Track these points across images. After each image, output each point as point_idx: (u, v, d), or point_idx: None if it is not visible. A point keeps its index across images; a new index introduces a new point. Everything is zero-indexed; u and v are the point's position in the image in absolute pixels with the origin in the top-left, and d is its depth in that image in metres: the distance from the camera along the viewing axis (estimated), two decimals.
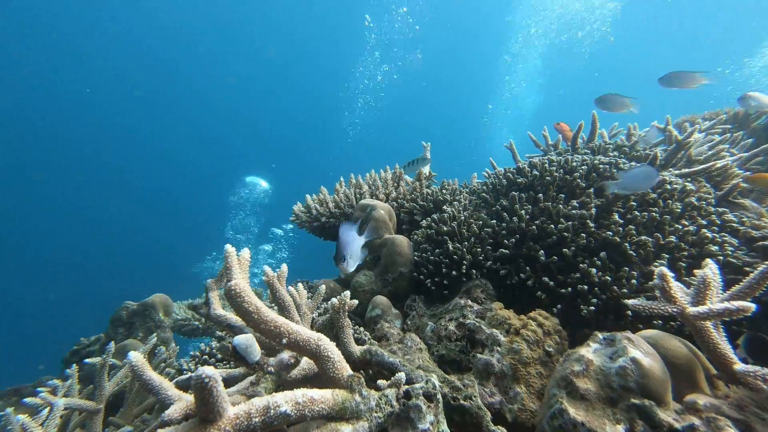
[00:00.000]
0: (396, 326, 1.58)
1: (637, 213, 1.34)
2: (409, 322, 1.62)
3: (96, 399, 1.45)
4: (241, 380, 1.20)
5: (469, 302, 1.47)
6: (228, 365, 1.41)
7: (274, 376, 0.78)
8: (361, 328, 1.48)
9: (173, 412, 0.78)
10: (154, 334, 2.66)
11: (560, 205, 1.50)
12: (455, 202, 1.92)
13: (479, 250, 1.60)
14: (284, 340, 0.69)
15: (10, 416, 1.38)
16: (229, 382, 1.19)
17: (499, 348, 1.22)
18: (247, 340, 0.73)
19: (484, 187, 1.92)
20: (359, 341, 1.36)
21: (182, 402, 0.80)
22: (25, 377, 2.75)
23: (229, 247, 0.74)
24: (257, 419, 0.59)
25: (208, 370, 0.51)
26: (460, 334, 1.38)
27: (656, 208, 1.35)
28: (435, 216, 1.83)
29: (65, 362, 2.71)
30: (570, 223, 1.43)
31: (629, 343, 0.61)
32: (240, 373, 1.19)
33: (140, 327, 2.71)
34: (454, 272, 1.60)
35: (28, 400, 1.36)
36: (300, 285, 1.43)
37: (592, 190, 1.50)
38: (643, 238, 1.25)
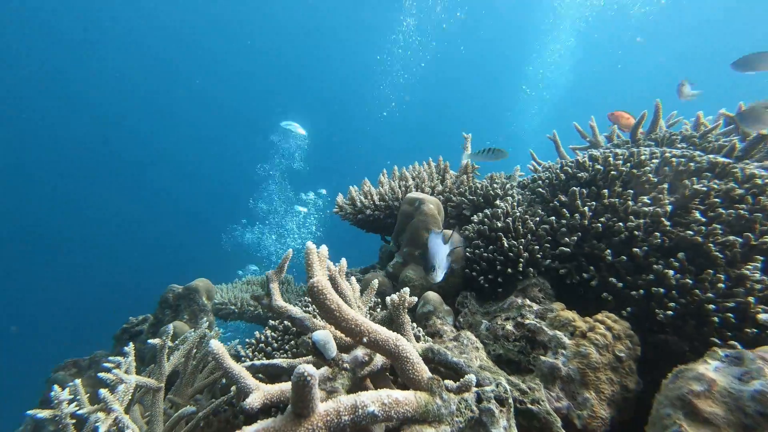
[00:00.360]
0: (448, 323, 1.56)
1: (722, 210, 1.23)
2: (461, 320, 1.60)
3: (157, 378, 1.52)
4: None
5: (527, 302, 1.42)
6: (286, 354, 1.45)
7: (349, 372, 0.78)
8: (413, 324, 1.47)
9: (253, 401, 0.80)
10: (205, 319, 2.79)
11: (629, 202, 1.40)
12: (508, 197, 1.86)
13: (536, 247, 1.54)
14: (365, 339, 0.69)
15: (78, 387, 1.47)
16: (291, 371, 1.22)
17: (564, 351, 1.17)
18: (325, 336, 0.73)
19: (540, 182, 1.83)
20: (415, 338, 1.35)
21: (260, 391, 0.83)
22: (81, 351, 2.94)
23: (310, 244, 0.74)
24: (346, 417, 0.58)
25: (309, 369, 0.51)
26: (519, 335, 1.33)
27: (744, 205, 1.23)
28: (487, 211, 1.78)
29: (116, 339, 2.88)
30: (641, 220, 1.34)
31: (765, 364, 0.55)
32: (301, 363, 1.21)
33: (185, 310, 2.83)
34: (509, 270, 1.55)
35: (103, 375, 1.44)
36: (353, 279, 1.44)
37: (666, 186, 1.40)
38: (730, 238, 1.15)
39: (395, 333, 0.72)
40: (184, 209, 28.42)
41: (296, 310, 1.27)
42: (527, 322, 1.32)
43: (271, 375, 1.35)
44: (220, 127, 27.34)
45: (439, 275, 1.12)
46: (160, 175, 27.53)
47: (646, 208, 1.36)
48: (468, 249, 1.72)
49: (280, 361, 1.23)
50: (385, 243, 2.87)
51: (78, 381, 1.49)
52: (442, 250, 1.12)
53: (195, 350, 1.69)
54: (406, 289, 1.19)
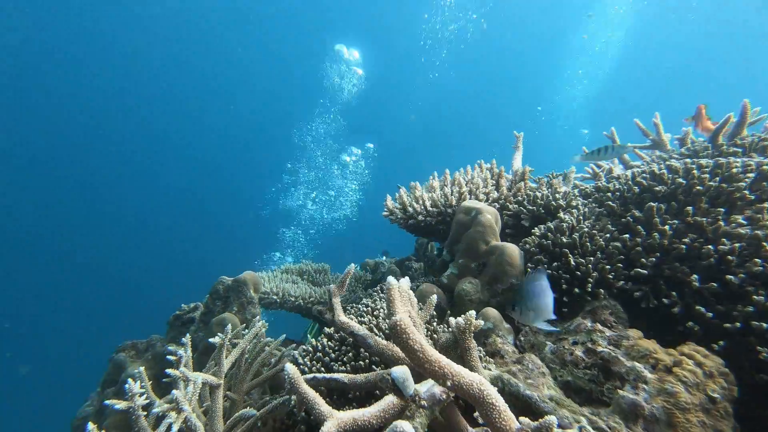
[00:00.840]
0: (509, 342, 1.50)
1: None
2: (522, 338, 1.53)
3: (217, 375, 1.58)
4: (364, 387, 1.23)
5: (598, 326, 1.33)
6: (344, 367, 1.46)
7: (427, 410, 0.76)
8: None
9: (329, 430, 0.80)
10: (258, 318, 2.89)
11: (720, 221, 1.27)
12: (573, 210, 1.75)
13: (607, 267, 1.44)
14: (449, 383, 0.67)
15: (143, 374, 1.56)
16: (353, 386, 1.23)
17: (645, 386, 1.08)
18: (404, 373, 0.72)
19: (608, 194, 1.71)
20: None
21: (334, 419, 0.83)
22: (139, 334, 3.11)
23: (392, 279, 0.73)
24: None
25: (407, 428, 0.49)
26: (590, 362, 1.26)
27: None
28: (551, 225, 1.69)
29: (169, 324, 3.04)
30: (736, 244, 1.20)
31: None
32: (362, 381, 1.21)
33: (234, 302, 2.93)
34: (576, 290, 1.46)
35: (170, 371, 1.53)
36: (411, 293, 1.42)
37: (767, 205, 1.25)
38: None
39: (478, 376, 0.69)
40: (224, 181, 29.19)
41: (358, 327, 1.28)
42: (600, 349, 1.23)
43: (331, 388, 1.37)
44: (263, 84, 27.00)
45: (534, 320, 1.02)
46: (192, 150, 27.92)
47: (741, 230, 1.22)
48: (529, 264, 1.65)
49: (341, 376, 1.24)
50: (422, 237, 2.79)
51: (142, 368, 1.59)
52: (545, 294, 1.02)
53: (248, 346, 1.74)
54: (472, 313, 1.15)
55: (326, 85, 13.16)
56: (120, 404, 1.38)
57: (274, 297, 3.19)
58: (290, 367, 0.88)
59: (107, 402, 1.43)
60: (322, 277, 3.69)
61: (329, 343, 1.62)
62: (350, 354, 1.50)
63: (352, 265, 1.34)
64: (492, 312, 1.57)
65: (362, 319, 1.69)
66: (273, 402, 1.54)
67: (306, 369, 1.53)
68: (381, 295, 2.01)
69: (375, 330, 1.57)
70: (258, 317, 2.80)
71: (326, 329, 1.79)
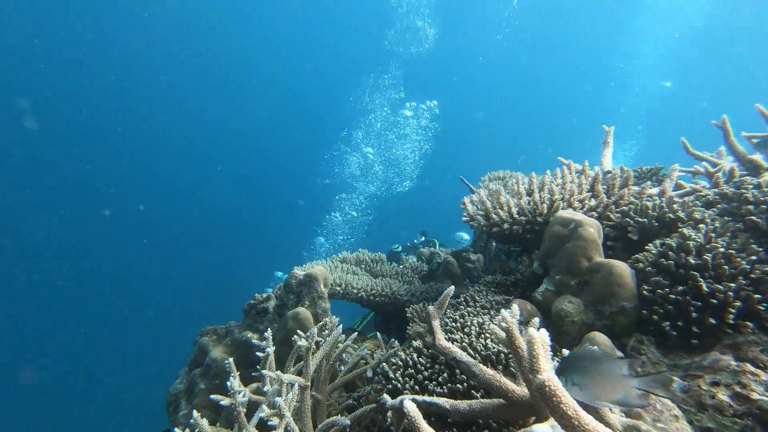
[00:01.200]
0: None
1: None
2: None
3: (305, 376, 1.61)
4: (466, 416, 1.17)
5: (748, 366, 1.13)
6: (440, 388, 1.41)
7: None
8: None
9: None
10: (327, 311, 2.95)
11: None
12: (700, 224, 1.51)
13: (756, 296, 1.22)
14: None
15: (232, 365, 1.62)
16: (454, 413, 1.18)
17: None
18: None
19: (751, 207, 1.45)
20: None
21: None
22: (218, 320, 3.30)
23: (533, 332, 0.65)
24: None
25: None
26: (741, 410, 1.07)
27: None
28: (671, 241, 1.48)
29: (245, 312, 3.21)
30: None
31: None
32: (465, 409, 1.16)
33: (306, 296, 3.01)
34: (711, 320, 1.26)
35: (265, 372, 1.58)
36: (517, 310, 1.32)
37: None
38: None
39: None
40: (279, 150, 29.94)
41: (461, 353, 1.22)
42: (756, 396, 1.04)
43: (430, 413, 1.33)
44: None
45: (576, 394, 0.74)
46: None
47: None
48: (645, 287, 1.46)
49: (443, 401, 1.19)
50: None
51: (231, 360, 1.67)
52: (614, 385, 0.78)
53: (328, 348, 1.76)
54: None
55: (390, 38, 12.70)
56: (225, 401, 1.47)
57: (338, 289, 3.26)
58: (410, 406, 0.85)
59: (213, 397, 1.53)
60: (379, 267, 3.72)
61: (420, 359, 1.59)
62: (445, 374, 1.45)
63: (452, 287, 1.28)
64: (601, 338, 1.42)
65: (452, 336, 1.63)
66: (360, 410, 1.56)
67: (399, 385, 1.51)
68: (468, 308, 1.93)
69: (469, 350, 1.50)
70: (330, 314, 2.86)
71: (414, 343, 1.76)
